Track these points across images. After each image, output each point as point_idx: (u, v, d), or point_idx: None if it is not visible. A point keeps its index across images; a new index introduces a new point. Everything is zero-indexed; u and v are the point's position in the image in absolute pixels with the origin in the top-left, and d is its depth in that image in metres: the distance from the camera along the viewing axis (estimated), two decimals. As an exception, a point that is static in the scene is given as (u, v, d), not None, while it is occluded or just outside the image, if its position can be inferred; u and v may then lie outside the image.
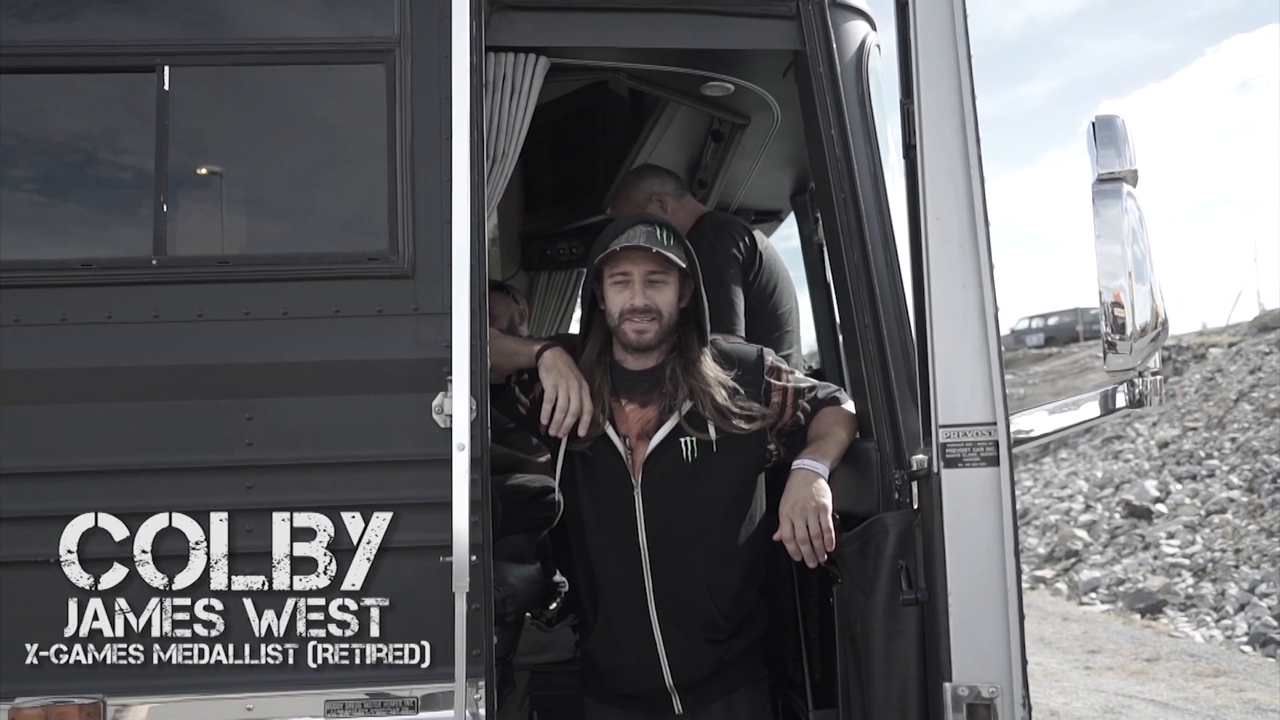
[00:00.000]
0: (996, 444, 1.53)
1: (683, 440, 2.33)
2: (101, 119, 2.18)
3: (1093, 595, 12.20)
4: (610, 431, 2.37)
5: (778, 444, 2.41)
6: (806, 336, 3.55)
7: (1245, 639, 9.57)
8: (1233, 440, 15.06)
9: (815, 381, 2.47)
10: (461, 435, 2.01)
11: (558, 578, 3.65)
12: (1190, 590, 11.26)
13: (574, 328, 5.85)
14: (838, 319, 3.11)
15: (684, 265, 2.34)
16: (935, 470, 1.51)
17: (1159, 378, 2.05)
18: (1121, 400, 2.06)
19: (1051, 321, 26.83)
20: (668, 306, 2.36)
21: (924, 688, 1.93)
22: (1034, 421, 2.09)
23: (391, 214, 2.13)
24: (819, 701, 2.62)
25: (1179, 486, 14.57)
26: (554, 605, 3.55)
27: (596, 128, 4.19)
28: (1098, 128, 1.99)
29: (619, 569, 2.37)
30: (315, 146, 2.23)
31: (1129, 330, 1.96)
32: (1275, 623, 9.67)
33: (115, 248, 2.16)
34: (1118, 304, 1.95)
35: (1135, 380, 2.03)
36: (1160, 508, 14.10)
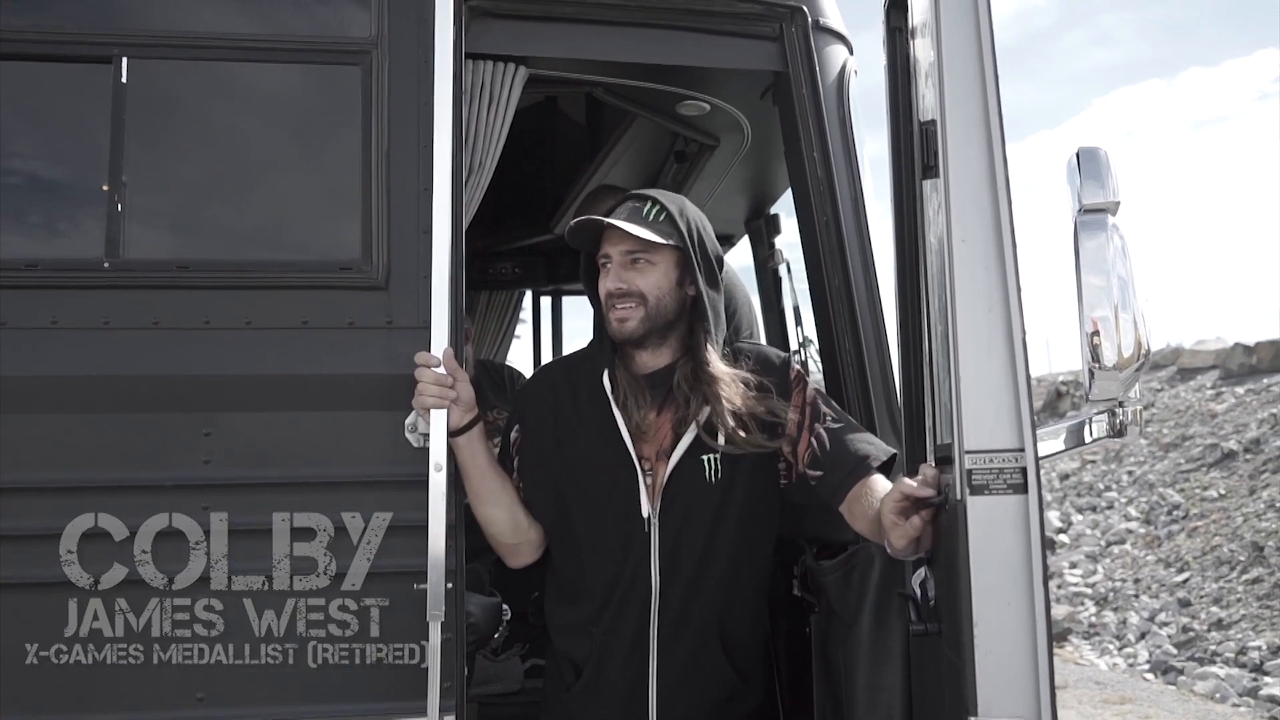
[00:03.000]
0: (1024, 470, 1.50)
1: (705, 458, 2.03)
2: (52, 111, 2.03)
3: (1000, 624, 12.47)
4: (629, 449, 2.03)
5: (794, 472, 2.07)
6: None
7: (1147, 666, 9.88)
8: (1130, 473, 15.65)
9: (844, 415, 2.11)
10: (439, 455, 1.92)
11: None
12: (1094, 619, 11.61)
13: (512, 354, 5.76)
14: (815, 342, 3.09)
15: (667, 242, 2.05)
16: (960, 498, 1.48)
17: (1139, 408, 2.07)
18: (1101, 430, 2.07)
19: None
20: (654, 289, 2.06)
21: (909, 712, 1.90)
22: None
23: (365, 222, 2.03)
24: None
25: (1080, 517, 15.07)
26: (499, 634, 3.43)
27: (543, 148, 4.14)
28: (1081, 159, 2.00)
29: (619, 614, 2.05)
30: (284, 149, 2.12)
31: (1114, 360, 1.97)
32: (1175, 651, 10.01)
33: (63, 248, 2.00)
34: (1096, 333, 1.96)
35: (1117, 410, 2.04)
36: (1063, 538, 14.54)
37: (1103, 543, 13.81)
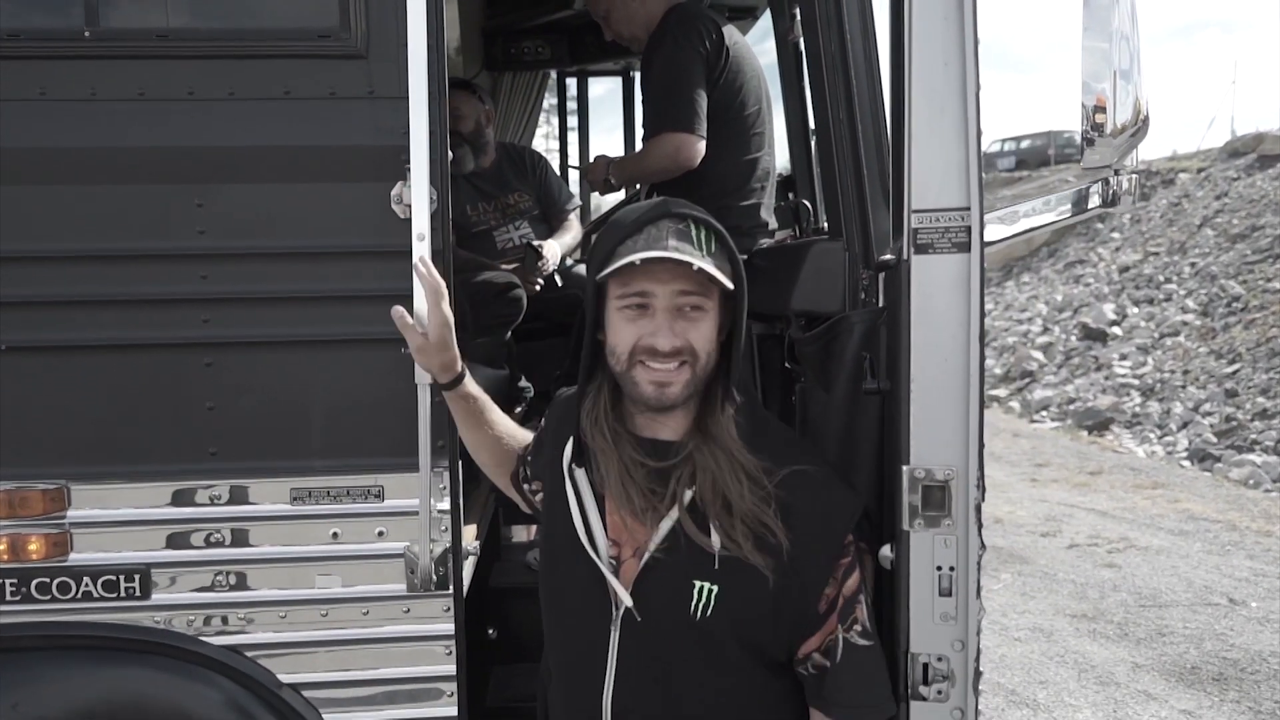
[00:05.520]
0: (969, 229, 1.49)
1: (700, 585, 1.54)
2: None
3: (1044, 414, 12.62)
4: (597, 530, 1.62)
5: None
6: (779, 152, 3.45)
7: (1185, 455, 10.00)
8: (1192, 265, 15.28)
9: (873, 630, 1.59)
10: (421, 225, 1.95)
11: (523, 383, 3.68)
12: (1137, 409, 11.67)
13: (538, 139, 5.66)
14: (812, 116, 3.01)
15: (733, 286, 1.56)
16: (905, 257, 1.49)
17: (1135, 176, 2.01)
18: (1095, 200, 2.03)
19: (1024, 145, 26.56)
20: (705, 345, 1.57)
21: (881, 479, 1.98)
22: (1008, 218, 2.06)
23: (342, -15, 1.98)
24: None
25: (1135, 310, 14.88)
26: (519, 409, 3.59)
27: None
28: (1094, -97, 1.87)
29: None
30: (256, -92, 2.05)
31: (1109, 127, 1.91)
32: (1215, 439, 10.08)
33: (45, 17, 2.00)
34: (1100, 108, 1.89)
35: (1110, 179, 2.00)
36: (1116, 330, 14.43)
37: (1156, 335, 13.68)
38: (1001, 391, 14.16)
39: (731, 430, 1.58)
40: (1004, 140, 27.23)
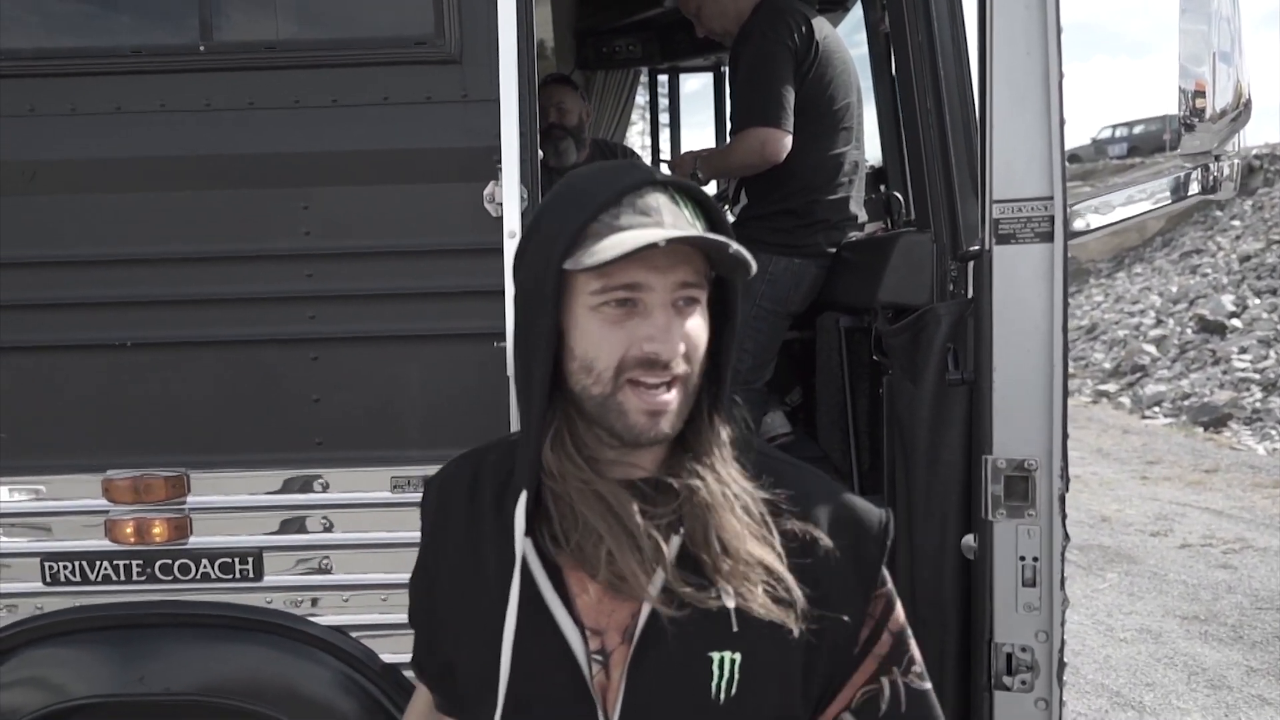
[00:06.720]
0: (1051, 219, 1.48)
1: (719, 656, 1.16)
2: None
3: (1156, 409, 12.15)
4: (564, 621, 1.17)
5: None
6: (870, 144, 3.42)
7: (1310, 452, 9.51)
8: (1319, 254, 14.50)
9: (919, 663, 1.27)
10: (512, 223, 2.02)
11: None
12: (1258, 405, 11.14)
13: (631, 136, 5.70)
14: (901, 106, 3.00)
15: (752, 269, 1.14)
16: (987, 248, 1.49)
17: (1237, 162, 1.96)
18: (1195, 187, 1.98)
19: (1137, 130, 25.46)
20: (701, 351, 1.19)
21: (969, 473, 1.97)
22: (1102, 208, 2.02)
23: (436, -7, 2.06)
24: (865, 489, 2.68)
25: (1257, 301, 14.19)
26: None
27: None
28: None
29: None
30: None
31: (1208, 112, 1.87)
32: (1343, 437, 9.56)
33: (163, 33, 2.14)
34: (1199, 93, 1.85)
35: (1210, 165, 1.95)
36: (1235, 323, 13.79)
37: (1279, 327, 13.02)
38: (1111, 386, 13.67)
39: (727, 450, 1.21)
40: (1115, 126, 26.16)
